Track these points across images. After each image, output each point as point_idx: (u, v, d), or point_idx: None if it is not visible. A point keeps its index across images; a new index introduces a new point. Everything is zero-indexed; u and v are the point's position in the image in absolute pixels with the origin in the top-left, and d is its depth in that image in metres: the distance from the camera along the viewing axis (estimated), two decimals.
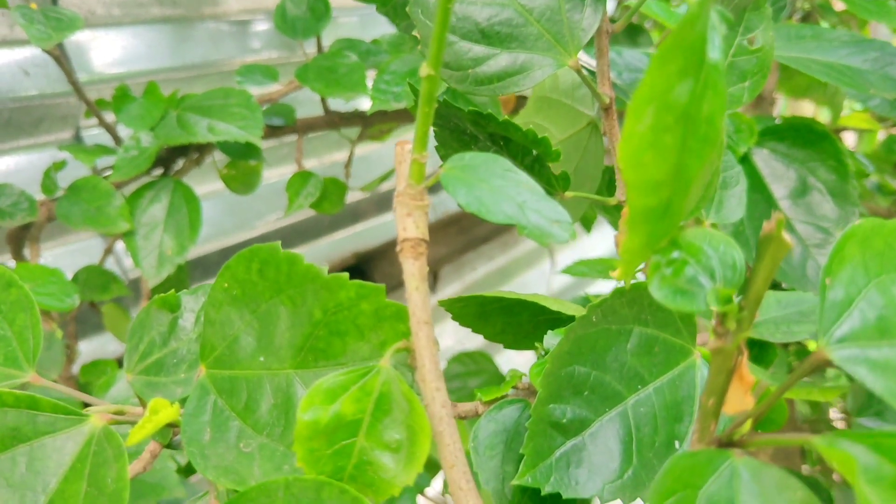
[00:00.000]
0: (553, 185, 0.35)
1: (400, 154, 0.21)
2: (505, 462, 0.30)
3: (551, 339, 0.31)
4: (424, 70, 0.19)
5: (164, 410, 0.22)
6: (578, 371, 0.28)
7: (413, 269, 0.20)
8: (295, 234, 1.00)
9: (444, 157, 0.36)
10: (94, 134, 0.80)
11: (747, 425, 0.17)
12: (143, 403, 0.27)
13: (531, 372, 0.31)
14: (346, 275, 0.21)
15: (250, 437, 0.22)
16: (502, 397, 0.32)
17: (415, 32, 0.32)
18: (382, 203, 1.08)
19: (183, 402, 0.23)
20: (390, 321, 0.21)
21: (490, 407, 0.31)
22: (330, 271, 0.22)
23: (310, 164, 0.95)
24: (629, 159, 0.16)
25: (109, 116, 0.63)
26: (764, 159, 0.53)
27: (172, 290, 0.27)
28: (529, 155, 0.34)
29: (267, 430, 0.22)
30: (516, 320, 0.35)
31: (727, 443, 0.17)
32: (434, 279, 1.14)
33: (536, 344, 0.33)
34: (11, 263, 0.61)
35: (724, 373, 0.17)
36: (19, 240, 0.60)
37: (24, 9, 0.52)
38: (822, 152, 0.52)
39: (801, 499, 0.15)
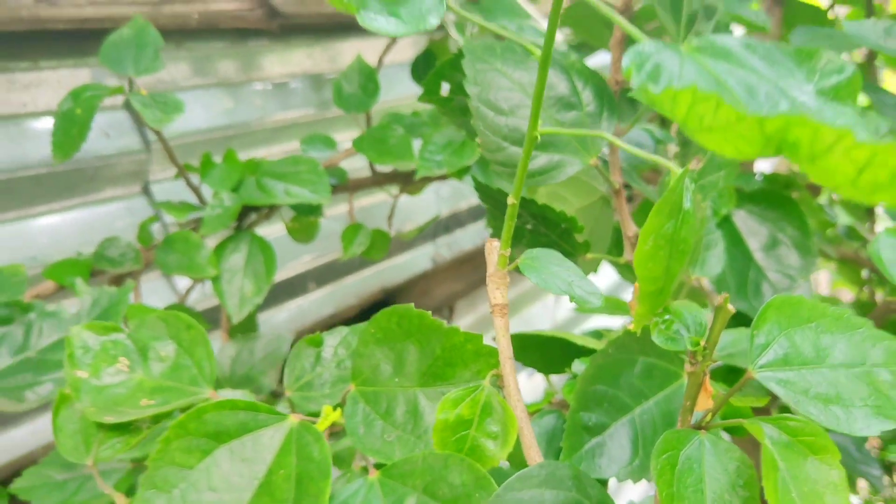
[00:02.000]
0: (577, 249, 0.47)
1: (489, 248, 0.34)
2: (547, 454, 0.41)
3: (578, 365, 0.43)
4: (510, 200, 0.31)
5: (330, 414, 0.34)
6: (600, 389, 0.40)
7: (500, 324, 0.32)
8: (329, 272, 1.12)
9: (493, 228, 0.48)
10: (163, 187, 0.92)
11: (709, 416, 0.29)
12: (294, 410, 0.39)
13: (564, 389, 0.43)
14: (458, 326, 0.33)
15: (390, 431, 0.33)
16: (542, 409, 0.43)
17: (477, 139, 0.44)
18: (406, 244, 1.20)
19: (340, 408, 0.35)
20: (485, 357, 0.33)
21: (534, 416, 0.43)
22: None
23: (341, 208, 1.07)
24: (640, 265, 0.28)
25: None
26: (742, 219, 0.65)
27: (318, 332, 0.39)
28: (559, 227, 0.46)
29: (401, 427, 0.34)
30: (550, 352, 0.47)
31: (698, 426, 0.29)
32: (450, 312, 1.26)
33: (566, 369, 0.44)
34: None
35: (695, 386, 0.29)
36: (120, 282, 0.71)
37: (137, 96, 0.64)
38: (788, 214, 0.64)
39: (738, 458, 0.27)
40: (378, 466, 0.32)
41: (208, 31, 0.96)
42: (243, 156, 0.87)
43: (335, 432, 0.47)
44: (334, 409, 0.34)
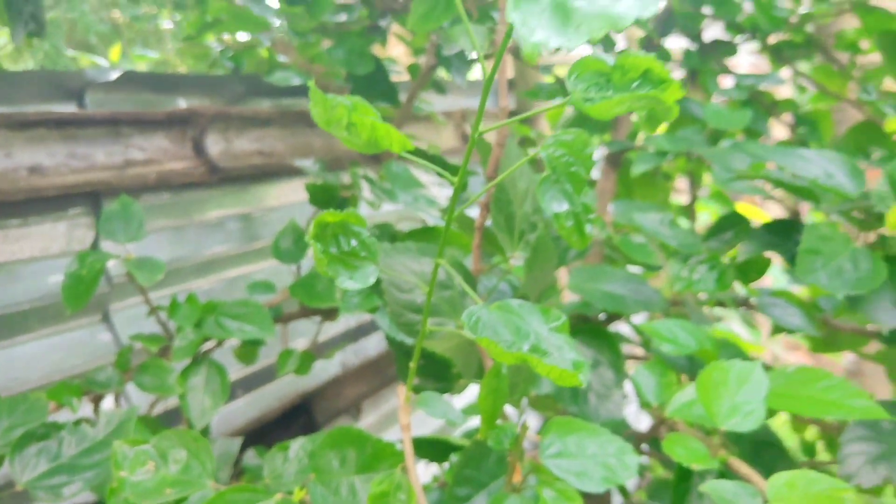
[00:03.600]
0: (452, 377, 0.71)
1: (399, 390, 0.57)
2: None
3: (454, 457, 0.66)
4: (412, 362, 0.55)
5: (299, 493, 0.56)
6: (467, 472, 0.63)
7: (406, 436, 0.55)
8: (255, 379, 1.32)
9: (399, 366, 0.72)
10: (121, 316, 1.11)
11: (520, 482, 0.53)
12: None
13: (446, 474, 0.66)
14: (380, 438, 0.56)
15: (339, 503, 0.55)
16: (431, 486, 0.66)
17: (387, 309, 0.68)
18: (321, 352, 1.41)
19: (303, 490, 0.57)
20: (397, 455, 0.56)
21: (427, 491, 0.65)
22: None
23: None
24: (480, 404, 0.51)
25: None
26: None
27: (286, 441, 0.61)
28: (440, 363, 0.70)
29: (346, 500, 0.55)
30: (437, 449, 0.70)
31: (513, 490, 0.53)
32: (358, 411, 1.47)
33: (447, 460, 0.67)
34: (91, 414, 0.91)
35: (512, 466, 0.53)
36: (99, 399, 0.90)
37: (130, 261, 0.85)
38: (606, 343, 0.91)
39: None
40: None
41: (160, 187, 1.17)
42: (189, 283, 1.09)
43: None
44: (301, 489, 0.56)
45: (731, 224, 0.85)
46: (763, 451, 0.71)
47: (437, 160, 0.74)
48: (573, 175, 0.48)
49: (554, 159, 0.47)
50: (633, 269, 1.22)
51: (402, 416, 0.56)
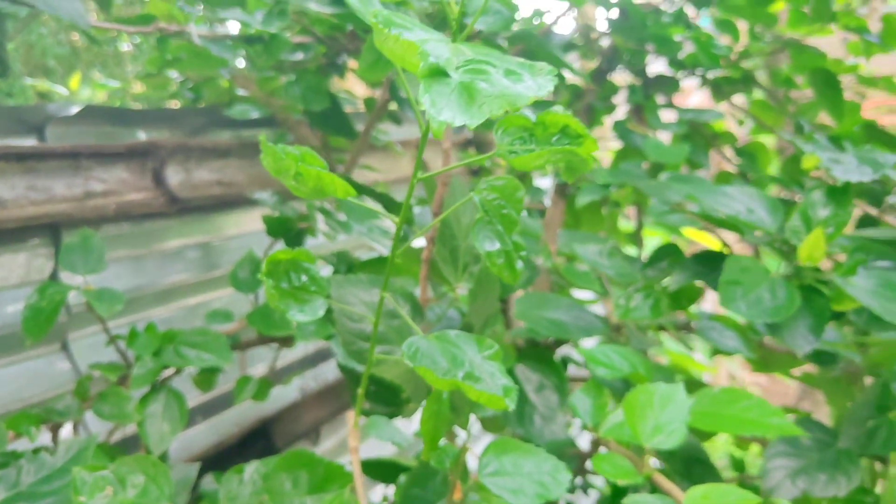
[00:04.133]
0: (401, 402, 0.74)
1: (349, 416, 0.60)
2: None
3: (402, 478, 0.70)
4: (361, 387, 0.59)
5: None
6: (414, 491, 0.66)
7: (355, 458, 0.59)
8: (214, 405, 1.34)
9: (350, 391, 0.75)
10: (79, 345, 1.13)
11: (459, 498, 0.56)
12: None
13: (395, 493, 0.69)
14: (342, 466, 0.59)
15: None
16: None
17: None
18: (279, 378, 1.44)
19: None
20: (347, 476, 0.59)
21: None
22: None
23: None
24: (423, 428, 0.55)
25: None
26: (521, 370, 0.95)
27: (240, 464, 0.64)
28: (390, 389, 0.74)
29: None
30: (387, 470, 0.73)
31: None
32: (317, 436, 1.49)
33: (396, 480, 0.71)
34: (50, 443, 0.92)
35: (454, 484, 0.56)
36: (58, 427, 0.92)
37: (89, 292, 0.87)
38: (551, 367, 0.95)
39: None
40: None
41: (120, 217, 1.19)
42: (149, 311, 1.11)
43: None
44: None
45: (667, 254, 0.90)
46: (693, 468, 0.76)
47: (383, 198, 0.78)
48: (504, 217, 0.52)
49: (487, 202, 0.52)
50: (587, 294, 1.27)
51: (352, 440, 0.59)
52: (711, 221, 0.80)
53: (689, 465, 0.76)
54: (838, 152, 0.76)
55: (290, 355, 1.45)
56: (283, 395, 1.45)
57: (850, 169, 0.73)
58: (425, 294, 0.75)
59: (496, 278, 0.76)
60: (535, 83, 0.33)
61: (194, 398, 1.31)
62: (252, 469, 0.64)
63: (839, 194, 0.73)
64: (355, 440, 0.59)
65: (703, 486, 0.55)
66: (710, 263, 0.81)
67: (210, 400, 1.34)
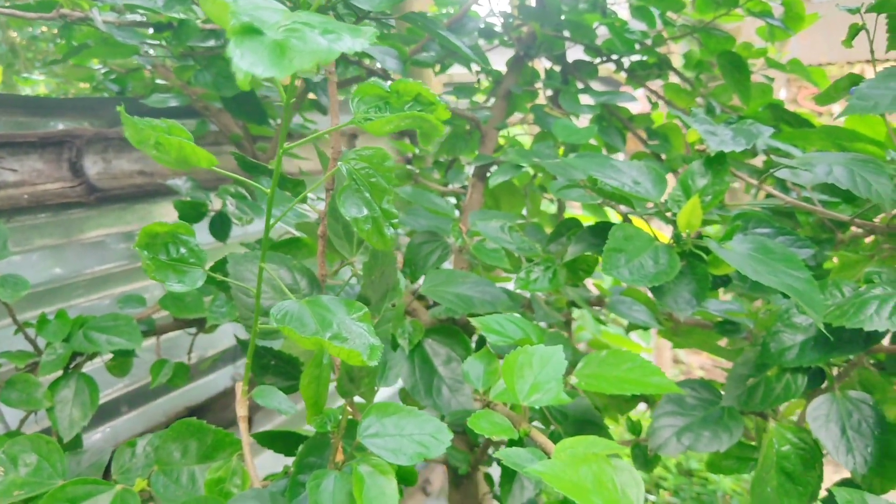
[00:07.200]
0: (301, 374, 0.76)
1: (237, 387, 0.62)
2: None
3: (301, 448, 0.71)
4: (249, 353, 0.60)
5: (140, 483, 0.60)
6: (310, 460, 0.68)
7: (243, 426, 0.60)
8: (140, 396, 1.33)
9: (256, 375, 0.77)
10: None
11: (340, 459, 0.58)
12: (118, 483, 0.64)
13: (293, 463, 0.71)
14: (221, 428, 0.60)
15: (179, 490, 0.60)
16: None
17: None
18: (210, 367, 1.44)
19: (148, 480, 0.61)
20: (236, 445, 0.61)
21: (275, 480, 0.71)
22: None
23: (150, 341, 1.31)
24: (303, 391, 0.57)
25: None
26: (429, 344, 0.98)
27: (133, 438, 0.65)
28: (289, 362, 0.75)
29: (185, 487, 0.60)
30: (288, 441, 0.75)
31: (336, 467, 0.59)
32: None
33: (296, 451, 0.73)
34: None
35: (335, 448, 0.59)
36: None
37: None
38: (459, 340, 0.98)
39: (348, 482, 0.57)
40: None
41: (36, 207, 1.19)
42: (70, 301, 1.11)
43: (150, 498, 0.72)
44: (145, 480, 0.60)
45: (567, 228, 0.94)
46: (585, 428, 0.79)
47: (287, 181, 0.79)
48: (373, 185, 0.55)
49: (354, 171, 0.54)
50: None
51: (239, 409, 0.61)
52: (603, 195, 0.83)
53: (581, 426, 0.79)
54: (714, 125, 0.80)
55: (220, 342, 1.46)
56: (214, 383, 1.46)
57: (725, 140, 0.77)
58: (323, 269, 0.76)
59: (393, 253, 0.79)
60: (352, 42, 0.35)
61: (121, 388, 1.31)
62: (145, 442, 0.65)
63: (716, 163, 0.77)
64: (243, 409, 0.61)
65: (573, 438, 0.57)
66: (603, 234, 0.84)
67: (136, 389, 1.34)
